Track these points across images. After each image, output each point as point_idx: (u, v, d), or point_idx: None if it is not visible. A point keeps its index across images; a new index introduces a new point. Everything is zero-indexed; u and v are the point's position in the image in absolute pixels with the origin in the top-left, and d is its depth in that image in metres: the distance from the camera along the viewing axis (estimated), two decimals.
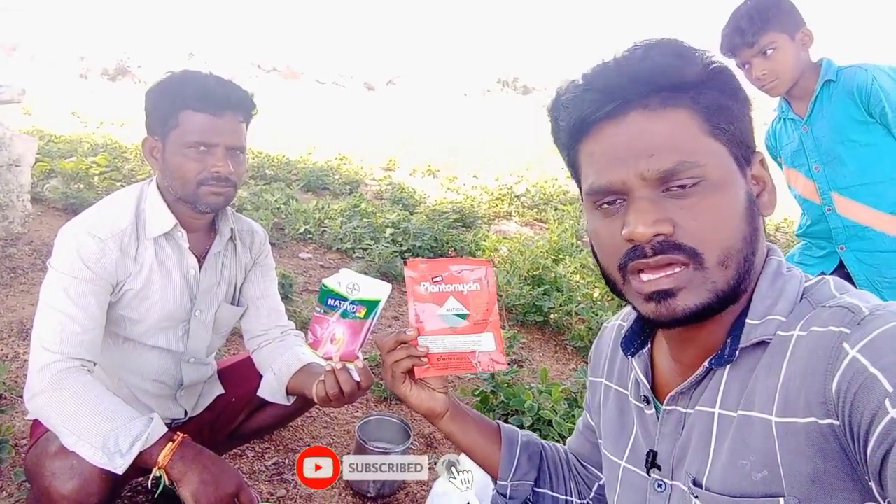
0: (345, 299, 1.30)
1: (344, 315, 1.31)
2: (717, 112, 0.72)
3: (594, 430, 1.06)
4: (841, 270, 2.14)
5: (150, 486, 1.34)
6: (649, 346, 0.90)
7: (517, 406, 2.38)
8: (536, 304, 3.65)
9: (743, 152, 0.74)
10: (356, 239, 4.64)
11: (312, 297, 3.51)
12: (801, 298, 0.73)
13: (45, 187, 4.79)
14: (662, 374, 0.87)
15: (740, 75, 0.76)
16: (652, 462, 0.85)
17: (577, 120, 0.76)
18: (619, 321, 1.02)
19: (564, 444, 1.21)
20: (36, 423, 1.56)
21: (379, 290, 1.33)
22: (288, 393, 1.68)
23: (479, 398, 2.56)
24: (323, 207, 5.31)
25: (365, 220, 5.03)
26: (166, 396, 1.73)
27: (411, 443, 2.17)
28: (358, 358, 1.36)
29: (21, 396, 2.31)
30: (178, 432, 1.37)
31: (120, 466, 1.28)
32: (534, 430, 2.31)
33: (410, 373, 1.01)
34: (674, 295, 0.71)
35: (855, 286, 2.06)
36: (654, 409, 0.86)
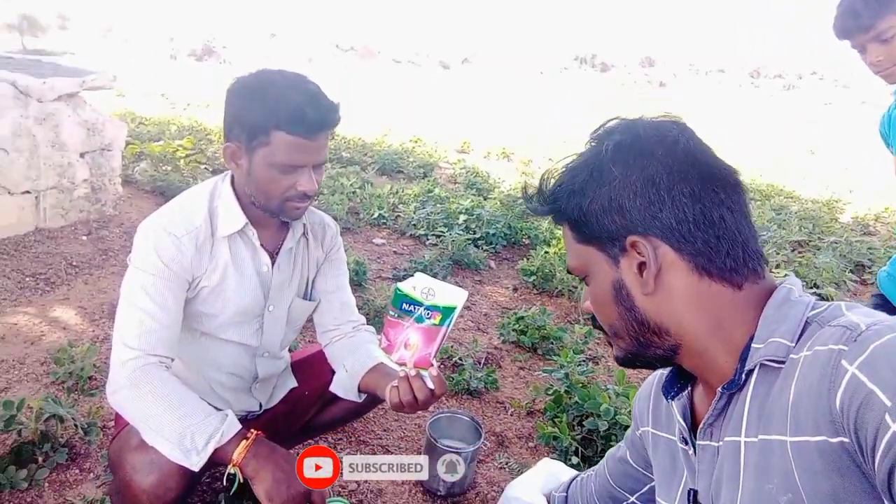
0: (420, 304, 1.28)
1: (419, 320, 1.28)
2: (576, 226, 0.87)
3: (628, 460, 1.18)
4: None
5: (224, 483, 1.35)
6: (689, 389, 0.93)
7: (592, 408, 2.31)
8: None
9: (611, 244, 0.84)
10: (430, 225, 4.62)
11: (386, 285, 3.52)
12: (812, 322, 0.75)
13: (136, 170, 5.00)
14: (701, 415, 0.90)
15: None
16: (694, 501, 0.89)
17: None
18: (661, 370, 1.05)
19: None
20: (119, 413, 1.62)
21: (455, 296, 1.29)
22: (360, 391, 1.68)
23: (552, 397, 2.50)
24: (397, 192, 5.32)
25: (438, 205, 5.00)
26: (242, 389, 1.76)
27: (483, 441, 2.14)
28: (432, 365, 1.33)
29: None
30: (252, 429, 1.38)
31: (196, 464, 1.31)
32: (610, 435, 2.24)
33: None
34: (611, 345, 0.93)
35: None
36: (693, 450, 0.89)
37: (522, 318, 3.20)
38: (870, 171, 10.22)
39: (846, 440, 0.64)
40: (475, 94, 16.17)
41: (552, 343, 3.10)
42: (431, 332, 1.28)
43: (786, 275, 0.85)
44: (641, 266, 0.82)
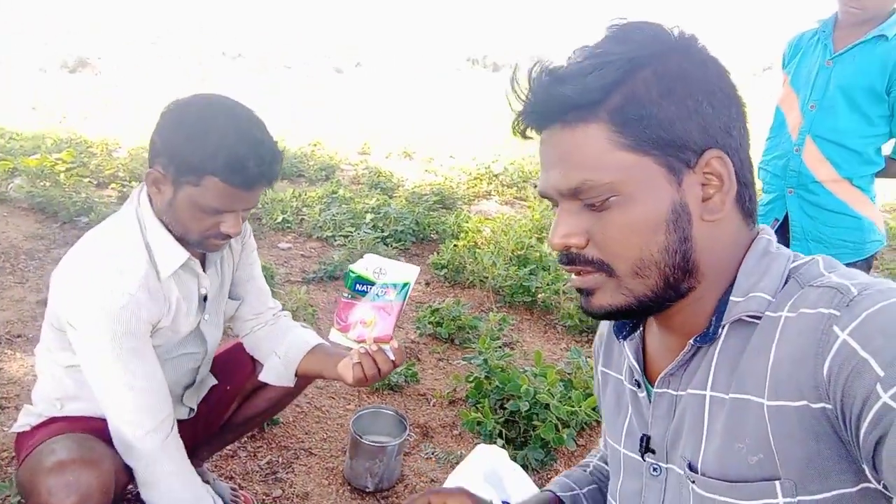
0: (373, 283, 1.32)
1: (374, 299, 1.32)
2: (635, 124, 0.69)
3: None
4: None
5: None
6: (641, 329, 0.89)
7: (513, 391, 2.35)
8: (523, 284, 3.61)
9: (679, 156, 0.70)
10: (336, 226, 4.55)
11: (295, 288, 3.43)
12: (789, 277, 0.72)
13: (10, 187, 4.62)
14: (654, 358, 0.86)
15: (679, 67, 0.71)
16: (646, 446, 0.84)
17: (522, 125, 0.77)
18: None
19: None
20: (21, 437, 1.50)
21: (407, 272, 1.34)
22: (296, 375, 1.66)
23: (472, 384, 2.52)
24: (300, 195, 5.20)
25: (344, 206, 4.93)
26: (174, 400, 1.67)
27: (407, 434, 2.12)
28: (392, 339, 1.36)
29: (3, 408, 2.23)
30: None
31: None
32: (532, 415, 2.29)
33: None
34: (591, 293, 0.76)
35: (788, 234, 2.07)
36: (646, 393, 0.85)
37: (437, 310, 3.22)
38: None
39: (828, 406, 0.63)
40: (371, 97, 16.09)
41: (468, 333, 3.13)
42: (388, 307, 1.33)
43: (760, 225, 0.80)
44: (703, 188, 0.72)
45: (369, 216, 4.67)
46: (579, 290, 0.79)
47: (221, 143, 1.25)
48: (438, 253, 4.19)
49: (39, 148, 5.99)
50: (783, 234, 2.15)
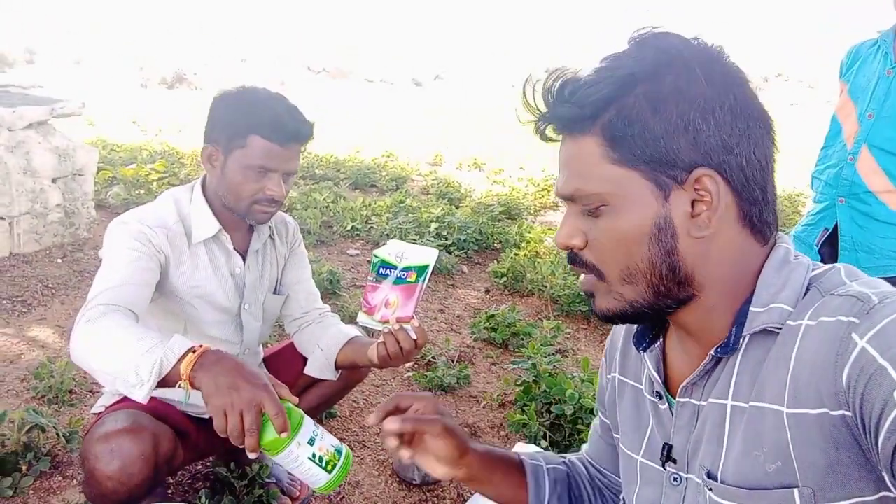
0: (395, 267, 1.42)
1: (397, 282, 1.42)
2: (623, 140, 0.72)
3: (610, 429, 1.05)
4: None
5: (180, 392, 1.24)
6: (662, 340, 0.89)
7: (558, 395, 2.41)
8: (581, 294, 3.65)
9: (668, 172, 0.72)
10: (402, 234, 4.72)
11: (359, 292, 3.60)
12: (810, 287, 0.73)
13: (109, 194, 5.05)
14: (676, 368, 0.87)
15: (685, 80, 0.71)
16: (667, 455, 0.85)
17: (539, 130, 0.81)
18: None
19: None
20: (96, 417, 1.69)
21: (427, 255, 1.44)
22: (337, 367, 1.78)
23: (521, 387, 2.59)
24: (370, 204, 5.41)
25: (411, 215, 5.11)
26: None
27: None
28: (413, 318, 1.46)
29: (90, 391, 2.48)
30: (201, 344, 1.25)
31: (142, 397, 1.19)
32: (576, 419, 2.34)
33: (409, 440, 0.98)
34: (592, 296, 0.81)
35: (837, 243, 2.02)
36: (667, 404, 0.86)
37: (493, 315, 3.31)
38: None
39: (848, 413, 0.64)
40: (448, 109, 16.35)
41: (522, 339, 3.20)
42: (409, 289, 1.42)
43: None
44: (694, 204, 0.73)
45: (434, 225, 4.82)
46: (586, 294, 0.83)
47: (261, 107, 1.54)
48: (499, 261, 4.28)
49: (136, 158, 6.49)
50: (832, 244, 2.12)
